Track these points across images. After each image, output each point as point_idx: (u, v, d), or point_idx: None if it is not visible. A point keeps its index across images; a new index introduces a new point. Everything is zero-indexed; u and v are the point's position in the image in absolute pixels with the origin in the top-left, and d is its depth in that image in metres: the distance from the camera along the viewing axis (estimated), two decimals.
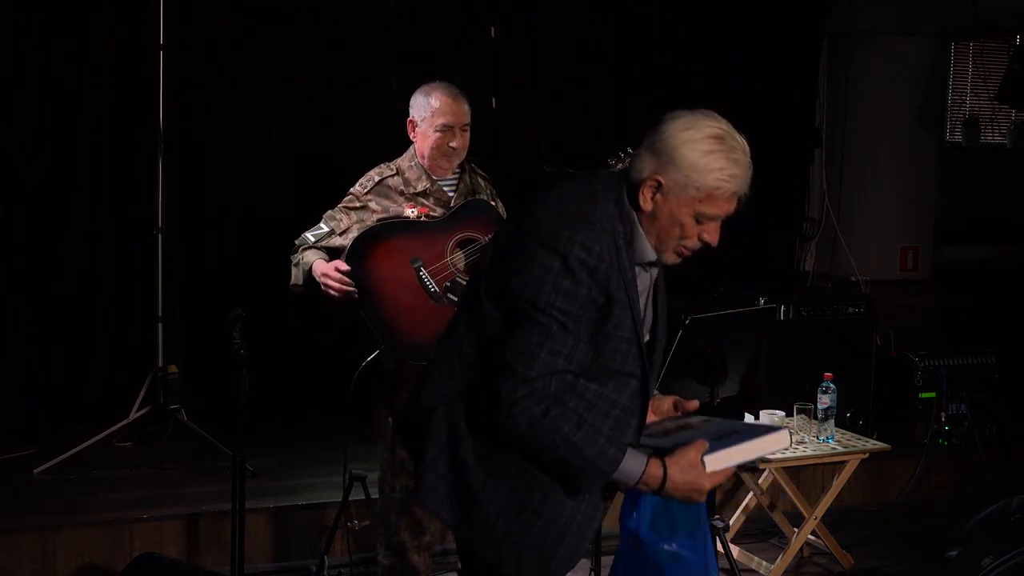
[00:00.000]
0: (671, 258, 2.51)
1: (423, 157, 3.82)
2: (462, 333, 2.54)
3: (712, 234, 2.47)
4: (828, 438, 4.70)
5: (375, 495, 4.19)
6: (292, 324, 5.78)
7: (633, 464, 2.42)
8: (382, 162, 3.93)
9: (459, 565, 2.86)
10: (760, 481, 4.88)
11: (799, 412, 4.78)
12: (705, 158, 2.40)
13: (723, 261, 6.72)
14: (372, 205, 3.79)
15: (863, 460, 4.72)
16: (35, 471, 4.86)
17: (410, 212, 3.75)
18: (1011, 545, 3.64)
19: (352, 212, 3.81)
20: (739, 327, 4.75)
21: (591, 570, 4.24)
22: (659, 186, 2.42)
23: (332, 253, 3.75)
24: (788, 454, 4.58)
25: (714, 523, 4.13)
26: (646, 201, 2.44)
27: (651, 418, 2.69)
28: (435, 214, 3.79)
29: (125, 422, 5.06)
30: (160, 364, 5.13)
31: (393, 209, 3.78)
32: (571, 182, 2.55)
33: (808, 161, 7.22)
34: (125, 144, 5.51)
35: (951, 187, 8.05)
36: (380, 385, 3.78)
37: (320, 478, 4.90)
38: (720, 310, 4.99)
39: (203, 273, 5.74)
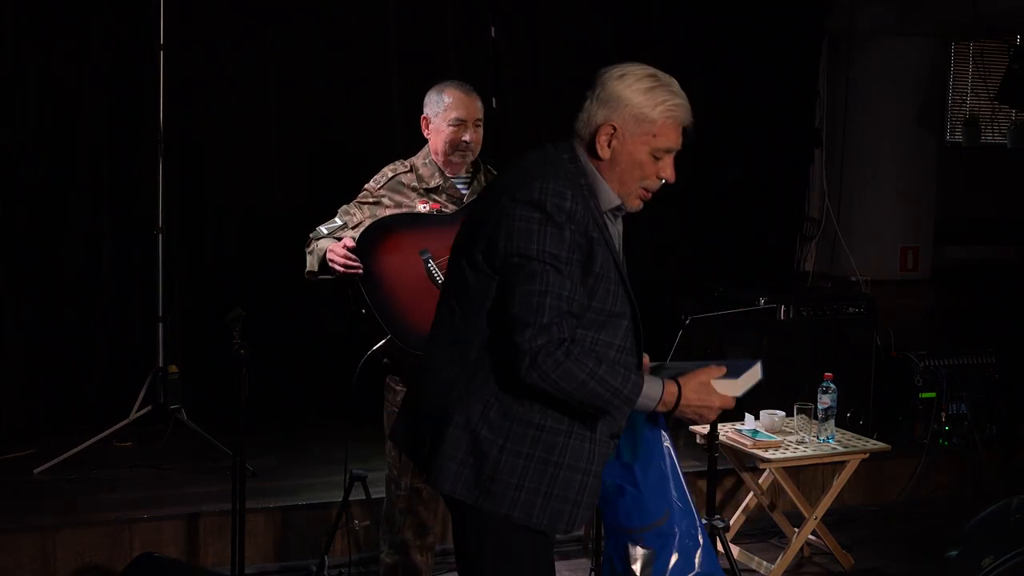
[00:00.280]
0: (635, 203, 2.67)
1: (437, 154, 3.84)
2: (457, 325, 2.61)
3: (668, 170, 2.63)
4: (828, 438, 4.70)
5: (375, 495, 4.20)
6: (292, 324, 5.79)
7: (653, 387, 2.57)
8: (381, 161, 3.95)
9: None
10: (760, 481, 4.88)
11: (799, 412, 4.78)
12: (648, 94, 2.57)
13: (723, 261, 6.77)
14: (385, 201, 3.82)
15: (863, 460, 4.72)
16: (35, 471, 4.85)
17: (422, 208, 3.78)
18: (1011, 545, 3.64)
19: (365, 207, 3.84)
20: (739, 327, 4.77)
21: (591, 570, 4.24)
22: (614, 131, 2.58)
23: None
24: (788, 454, 4.58)
25: (714, 523, 4.15)
26: (604, 149, 2.59)
27: None
28: (447, 211, 3.80)
29: (125, 422, 5.06)
30: (160, 364, 5.13)
31: (406, 205, 3.82)
32: (524, 155, 2.69)
33: (808, 161, 7.21)
34: (125, 144, 5.51)
35: (951, 187, 8.05)
36: (387, 382, 3.82)
37: (320, 478, 4.90)
38: (720, 310, 5.00)
39: (203, 273, 5.74)
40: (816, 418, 4.73)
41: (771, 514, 4.93)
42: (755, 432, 4.70)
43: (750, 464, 4.83)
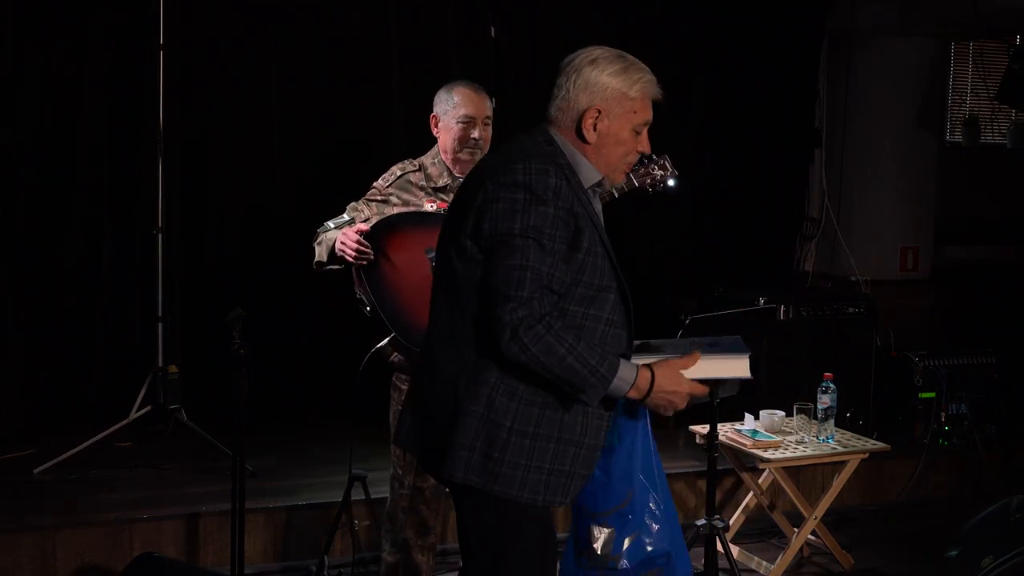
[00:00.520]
0: (619, 178, 2.83)
1: (446, 152, 3.85)
2: (453, 318, 2.64)
3: (646, 143, 2.77)
4: (828, 438, 4.70)
5: (375, 495, 4.20)
6: (292, 324, 5.79)
7: (628, 371, 2.63)
8: (382, 160, 3.97)
9: (460, 564, 2.87)
10: (760, 481, 4.88)
11: (799, 412, 4.78)
12: (623, 75, 2.68)
13: (723, 261, 6.77)
14: (393, 199, 3.83)
15: (863, 460, 4.71)
16: (35, 471, 4.85)
17: (429, 207, 3.79)
18: (1011, 545, 3.64)
19: (374, 204, 3.85)
20: (739, 327, 4.75)
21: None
22: (599, 113, 2.68)
23: None
24: (788, 454, 4.58)
25: (714, 523, 4.15)
26: (590, 132, 2.69)
27: None
28: None
29: (125, 422, 5.06)
30: (160, 364, 5.13)
31: (414, 204, 3.83)
32: (500, 147, 2.80)
33: (808, 161, 7.21)
34: (125, 144, 5.51)
35: (951, 187, 8.06)
36: (394, 380, 3.82)
37: (320, 478, 4.90)
38: (720, 310, 5.00)
39: (203, 273, 5.74)
40: (816, 418, 4.73)
41: (771, 514, 4.93)
42: (755, 432, 4.70)
43: (750, 464, 4.83)
